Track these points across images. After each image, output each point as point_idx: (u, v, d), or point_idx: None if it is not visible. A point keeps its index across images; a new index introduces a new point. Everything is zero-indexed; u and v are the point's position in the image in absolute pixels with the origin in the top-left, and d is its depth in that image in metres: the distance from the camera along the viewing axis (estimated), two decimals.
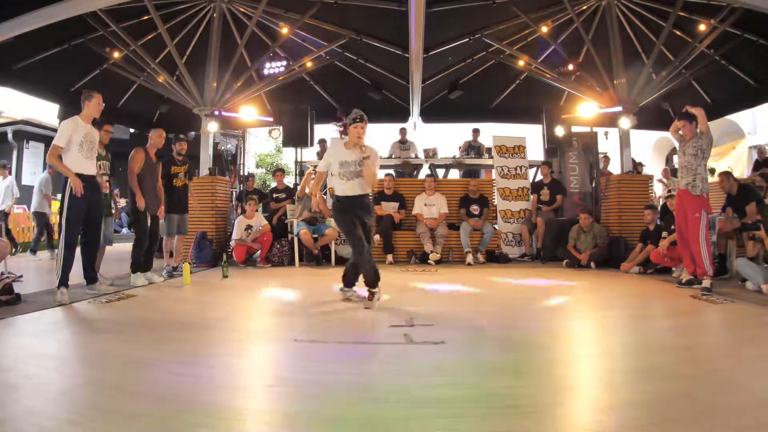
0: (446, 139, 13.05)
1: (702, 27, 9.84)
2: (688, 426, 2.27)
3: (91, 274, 5.82)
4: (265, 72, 10.93)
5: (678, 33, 10.36)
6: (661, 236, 7.82)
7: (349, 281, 5.50)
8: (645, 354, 3.51)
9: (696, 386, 2.79)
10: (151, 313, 4.97)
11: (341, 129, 5.17)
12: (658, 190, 13.08)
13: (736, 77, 11.17)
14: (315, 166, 10.65)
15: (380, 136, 13.17)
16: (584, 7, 10.47)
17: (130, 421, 2.30)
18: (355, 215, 5.09)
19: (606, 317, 4.98)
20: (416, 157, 12.27)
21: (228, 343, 3.82)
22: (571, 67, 10.56)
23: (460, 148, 12.69)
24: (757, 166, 11.68)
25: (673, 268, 7.56)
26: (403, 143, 12.48)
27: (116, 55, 10.29)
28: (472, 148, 12.43)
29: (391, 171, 11.72)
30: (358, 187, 5.11)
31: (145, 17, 9.82)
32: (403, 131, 12.71)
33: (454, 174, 13.20)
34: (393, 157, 12.03)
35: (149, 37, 10.42)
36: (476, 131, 12.72)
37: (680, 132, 6.50)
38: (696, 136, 6.27)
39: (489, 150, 11.72)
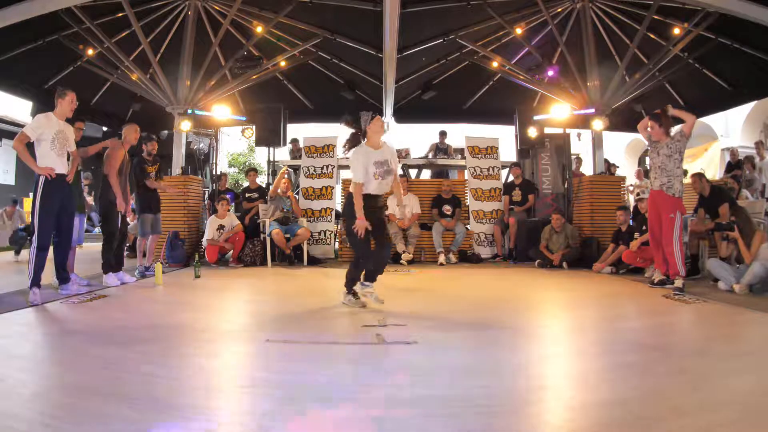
0: (419, 139, 13.08)
1: (676, 30, 9.94)
2: (660, 424, 2.29)
3: (63, 275, 5.75)
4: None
5: (652, 36, 10.43)
6: (633, 237, 7.88)
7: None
8: (618, 353, 3.53)
9: (668, 384, 2.82)
10: (124, 313, 4.94)
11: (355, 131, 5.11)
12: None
13: (710, 80, 11.30)
14: (288, 166, 10.77)
15: None
16: (559, 10, 10.53)
17: (103, 423, 2.28)
18: (375, 216, 5.01)
19: (578, 317, 5.01)
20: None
21: (200, 344, 3.80)
22: (551, 73, 10.56)
23: (428, 150, 12.74)
24: (729, 168, 11.82)
25: (646, 269, 7.62)
26: None
27: (90, 52, 10.13)
28: (440, 150, 12.47)
29: None
30: (386, 185, 5.04)
31: (120, 14, 9.70)
32: None
33: (425, 175, 13.27)
34: None
35: (123, 34, 10.29)
36: (443, 133, 12.76)
37: (649, 131, 6.54)
38: (670, 138, 6.31)
39: (461, 151, 11.75)
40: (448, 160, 12.41)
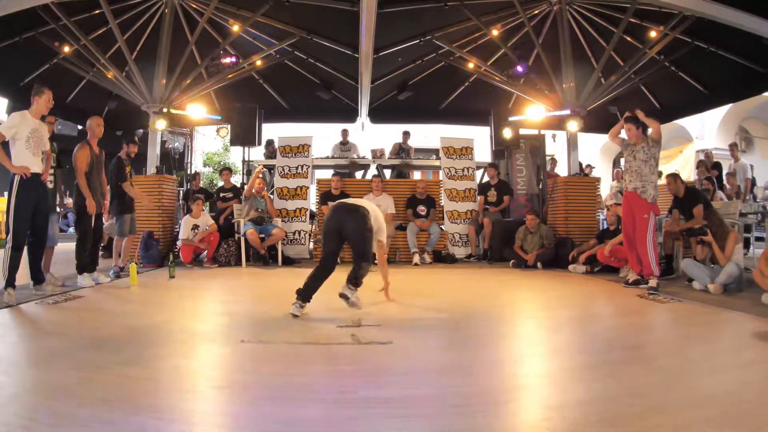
0: (394, 139, 13.08)
1: (653, 34, 10.00)
2: (636, 422, 2.32)
3: (37, 275, 5.73)
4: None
5: (628, 39, 10.53)
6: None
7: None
8: (593, 352, 3.58)
9: (644, 383, 2.85)
10: (98, 314, 4.93)
11: None
12: (605, 192, 13.21)
13: (686, 83, 11.40)
14: (263, 165, 10.72)
15: (328, 136, 13.12)
16: (536, 12, 10.58)
17: (79, 425, 2.28)
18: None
19: (554, 316, 5.04)
20: (357, 158, 12.29)
21: (175, 345, 3.80)
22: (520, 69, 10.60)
23: (391, 150, 12.76)
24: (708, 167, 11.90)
25: (620, 269, 7.67)
26: (344, 144, 12.54)
27: (66, 49, 10.03)
28: (403, 150, 12.52)
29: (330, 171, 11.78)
30: None
31: (97, 11, 9.59)
32: (344, 132, 12.76)
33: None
34: (334, 157, 12.10)
35: (100, 31, 10.19)
36: (406, 134, 12.84)
37: (624, 135, 6.59)
38: (645, 142, 6.36)
39: (426, 151, 11.79)
40: (423, 160, 12.45)
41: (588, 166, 13.80)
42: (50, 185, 6.27)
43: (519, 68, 10.53)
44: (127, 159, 7.60)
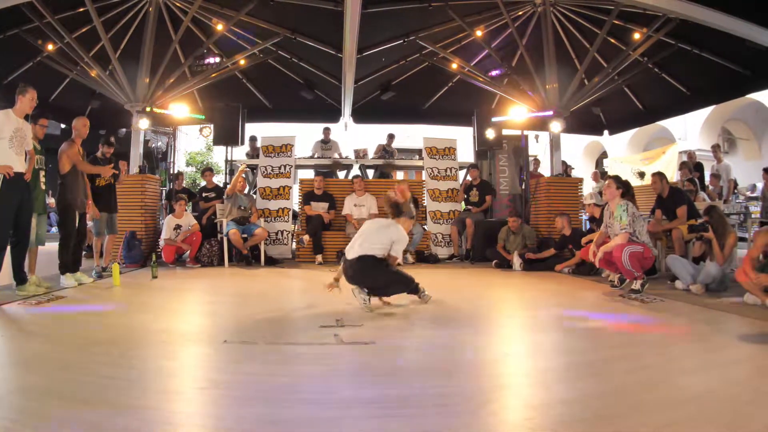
0: (377, 139, 13.09)
1: (636, 36, 10.09)
2: (620, 421, 2.32)
3: (20, 275, 5.68)
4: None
5: (612, 41, 10.60)
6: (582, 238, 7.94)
7: None
8: (576, 352, 3.59)
9: (627, 383, 2.87)
10: (81, 315, 4.92)
11: None
12: (587, 190, 13.24)
13: (669, 85, 11.50)
14: (246, 165, 10.70)
15: (311, 136, 13.11)
16: (520, 13, 10.60)
17: (63, 426, 2.27)
18: None
19: (536, 316, 5.06)
20: (339, 156, 12.31)
21: (158, 345, 3.80)
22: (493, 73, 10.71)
23: (375, 151, 12.76)
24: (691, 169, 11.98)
25: (603, 269, 7.63)
26: (326, 143, 12.54)
27: (50, 47, 9.98)
28: (386, 152, 12.53)
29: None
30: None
31: (81, 9, 9.53)
32: (326, 131, 12.77)
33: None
34: (315, 156, 12.10)
35: (83, 30, 10.12)
36: (391, 136, 12.84)
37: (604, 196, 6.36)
38: (618, 204, 6.03)
39: (419, 152, 11.82)
40: (406, 161, 12.54)
41: (568, 166, 13.86)
42: (43, 186, 6.29)
43: (493, 72, 10.63)
44: (103, 159, 7.57)
